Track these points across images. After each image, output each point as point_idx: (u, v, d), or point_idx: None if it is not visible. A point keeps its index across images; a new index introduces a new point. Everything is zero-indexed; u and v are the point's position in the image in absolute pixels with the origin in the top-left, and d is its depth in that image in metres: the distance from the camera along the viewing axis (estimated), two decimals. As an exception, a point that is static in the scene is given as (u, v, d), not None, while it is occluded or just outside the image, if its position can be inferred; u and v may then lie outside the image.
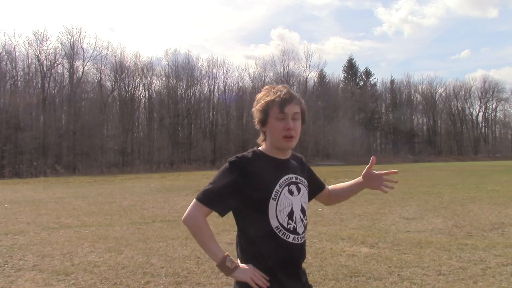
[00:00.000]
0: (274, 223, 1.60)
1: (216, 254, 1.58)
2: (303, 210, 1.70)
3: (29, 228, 7.93)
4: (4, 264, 5.16)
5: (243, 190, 1.60)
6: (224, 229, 7.33)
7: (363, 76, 68.74)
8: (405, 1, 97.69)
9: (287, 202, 1.64)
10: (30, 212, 10.27)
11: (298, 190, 1.68)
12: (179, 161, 48.58)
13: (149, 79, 51.55)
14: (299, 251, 1.66)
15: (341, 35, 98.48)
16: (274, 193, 1.62)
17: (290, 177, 1.68)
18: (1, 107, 40.04)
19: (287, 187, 1.65)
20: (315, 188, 1.91)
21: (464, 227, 7.00)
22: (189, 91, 54.21)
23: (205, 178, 25.01)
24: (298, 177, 1.71)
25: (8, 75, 42.97)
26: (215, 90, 56.38)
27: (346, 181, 2.00)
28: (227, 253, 1.61)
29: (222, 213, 1.62)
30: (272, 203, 1.61)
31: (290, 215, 1.64)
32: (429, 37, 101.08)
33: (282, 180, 1.65)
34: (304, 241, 1.70)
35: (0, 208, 11.40)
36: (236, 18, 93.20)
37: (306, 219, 1.72)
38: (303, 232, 1.69)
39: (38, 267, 5.03)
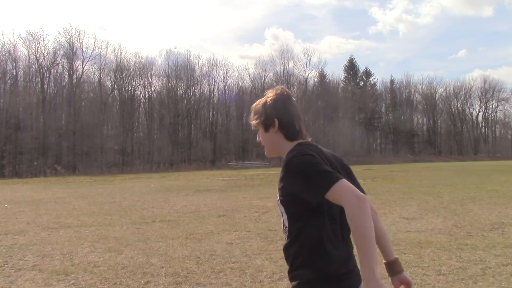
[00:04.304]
0: None
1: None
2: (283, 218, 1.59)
3: (29, 228, 7.93)
4: (4, 264, 5.16)
5: None
6: (224, 229, 7.33)
7: (363, 76, 68.78)
8: (399, 0, 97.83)
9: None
10: (30, 212, 10.27)
11: (277, 197, 1.61)
12: (179, 161, 48.59)
13: (149, 79, 51.62)
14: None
15: (338, 34, 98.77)
16: None
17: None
18: (1, 107, 40.06)
19: None
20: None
21: (464, 227, 6.99)
22: (189, 91, 54.24)
23: (205, 178, 24.97)
24: (278, 184, 1.58)
25: (8, 75, 43.00)
26: (215, 90, 56.48)
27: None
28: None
29: None
30: None
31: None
32: (426, 37, 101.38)
33: None
34: (284, 248, 1.58)
35: (0, 208, 11.40)
36: (234, 18, 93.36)
37: (285, 232, 1.57)
38: (285, 239, 1.58)
39: (38, 267, 5.03)
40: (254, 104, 1.71)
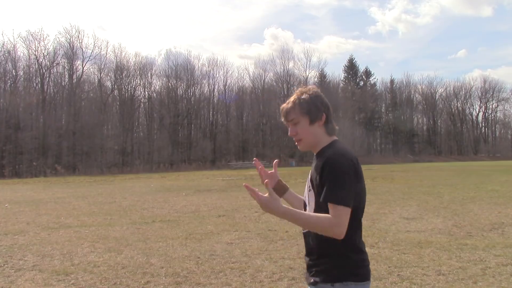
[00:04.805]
0: None
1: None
2: (305, 207, 1.75)
3: (29, 228, 7.93)
4: (4, 264, 5.16)
5: None
6: (224, 229, 7.33)
7: (363, 76, 68.77)
8: (398, 0, 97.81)
9: (304, 194, 1.79)
10: (30, 212, 10.27)
11: (308, 187, 1.72)
12: (179, 161, 48.61)
13: (149, 79, 51.64)
14: (304, 240, 1.74)
15: (338, 34, 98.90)
16: None
17: (311, 174, 1.73)
18: (1, 107, 40.07)
19: (307, 182, 1.76)
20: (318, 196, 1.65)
21: (464, 227, 6.99)
22: (189, 91, 54.26)
23: (205, 178, 24.97)
24: (311, 175, 1.71)
25: (8, 75, 43.01)
26: (215, 90, 56.48)
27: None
28: None
29: None
30: None
31: (305, 207, 1.77)
32: (426, 36, 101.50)
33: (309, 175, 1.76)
34: (308, 234, 1.70)
35: (0, 208, 11.40)
36: (234, 18, 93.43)
37: None
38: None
39: (38, 267, 5.03)
40: (294, 98, 1.73)
